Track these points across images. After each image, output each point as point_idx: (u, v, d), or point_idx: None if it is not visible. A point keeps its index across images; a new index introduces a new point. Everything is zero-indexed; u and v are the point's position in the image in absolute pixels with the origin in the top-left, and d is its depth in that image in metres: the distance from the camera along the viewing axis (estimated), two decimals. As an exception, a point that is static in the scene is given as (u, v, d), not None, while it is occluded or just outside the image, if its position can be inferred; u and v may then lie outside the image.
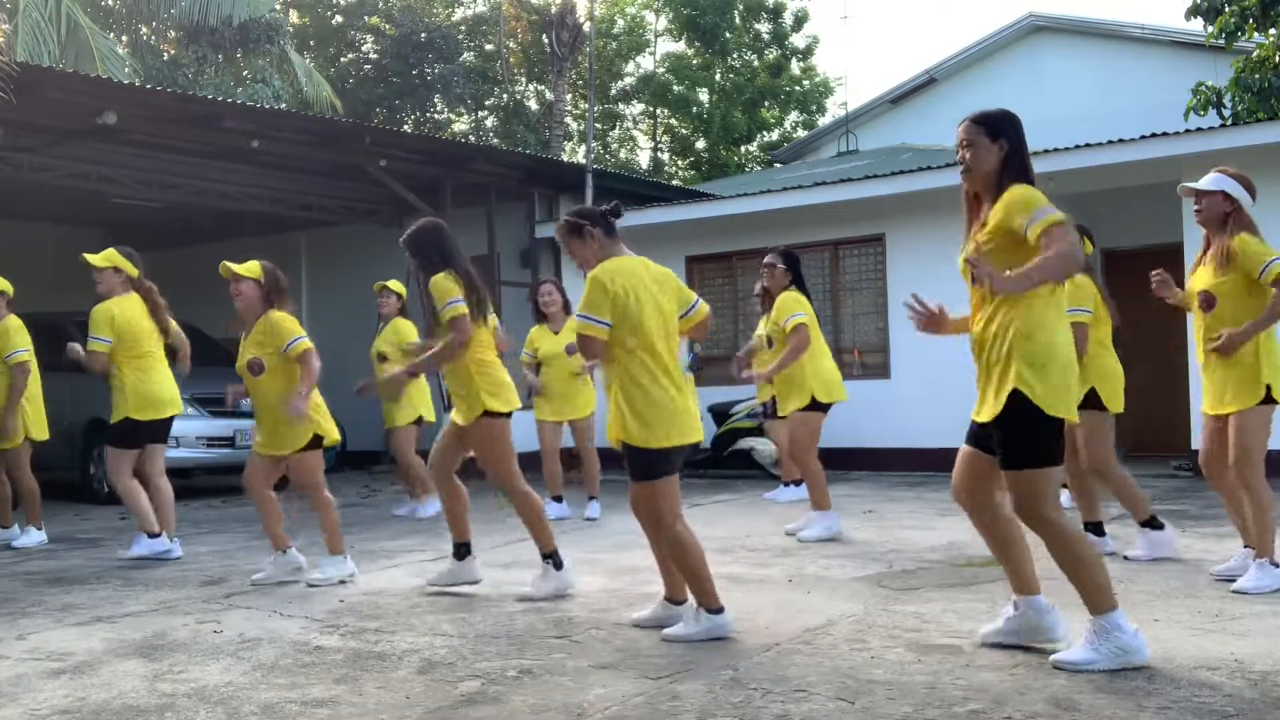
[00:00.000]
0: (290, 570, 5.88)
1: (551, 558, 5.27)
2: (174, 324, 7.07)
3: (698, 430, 4.39)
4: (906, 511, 8.31)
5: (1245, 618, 4.40)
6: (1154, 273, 5.39)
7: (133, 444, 6.82)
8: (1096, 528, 5.97)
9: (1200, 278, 5.08)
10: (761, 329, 8.95)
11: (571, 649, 4.21)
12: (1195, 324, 5.17)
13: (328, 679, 3.89)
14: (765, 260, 7.37)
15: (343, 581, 5.74)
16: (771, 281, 7.28)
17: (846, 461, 11.60)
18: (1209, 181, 4.97)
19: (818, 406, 7.03)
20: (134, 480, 6.77)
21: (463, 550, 5.47)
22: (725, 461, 11.70)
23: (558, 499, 8.41)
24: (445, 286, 5.20)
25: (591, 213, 4.54)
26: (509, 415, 5.31)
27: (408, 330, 8.71)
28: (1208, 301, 4.99)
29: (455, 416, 5.35)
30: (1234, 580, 4.99)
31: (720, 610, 4.31)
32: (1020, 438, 3.70)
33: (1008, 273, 3.60)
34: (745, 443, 11.33)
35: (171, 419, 7.00)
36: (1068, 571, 3.73)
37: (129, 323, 6.72)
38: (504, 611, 4.96)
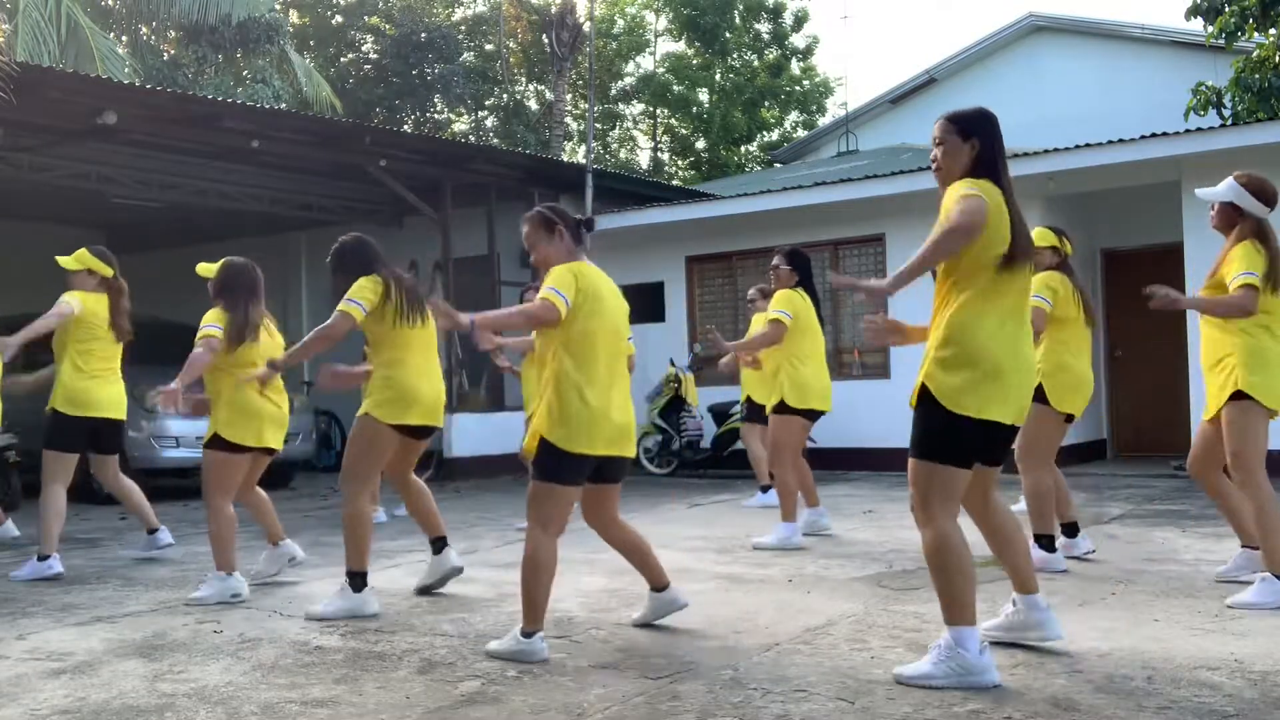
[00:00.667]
0: (286, 561, 5.91)
1: (356, 578, 4.98)
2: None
3: (621, 445, 4.22)
4: (906, 511, 8.25)
5: (1245, 618, 4.41)
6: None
7: (66, 444, 6.40)
8: (1070, 528, 5.91)
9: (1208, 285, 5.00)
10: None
11: (571, 649, 4.21)
12: (1202, 329, 5.04)
13: (328, 679, 3.89)
14: (772, 262, 7.28)
15: (230, 599, 5.40)
16: (779, 283, 7.18)
17: (846, 461, 11.60)
18: (1221, 189, 4.90)
19: (787, 409, 6.86)
20: (63, 491, 6.36)
21: (438, 544, 5.45)
22: (725, 461, 11.71)
23: None
24: (360, 287, 5.00)
25: (566, 215, 4.43)
26: (394, 428, 5.07)
27: None
28: None
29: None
30: (1239, 582, 4.97)
31: (531, 635, 4.09)
32: (922, 427, 3.67)
33: (890, 277, 3.66)
34: (742, 442, 11.33)
35: (113, 428, 6.65)
36: (932, 575, 3.68)
37: (88, 312, 6.41)
38: (504, 611, 4.95)
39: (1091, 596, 4.90)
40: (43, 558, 6.21)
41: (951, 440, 3.63)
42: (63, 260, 6.61)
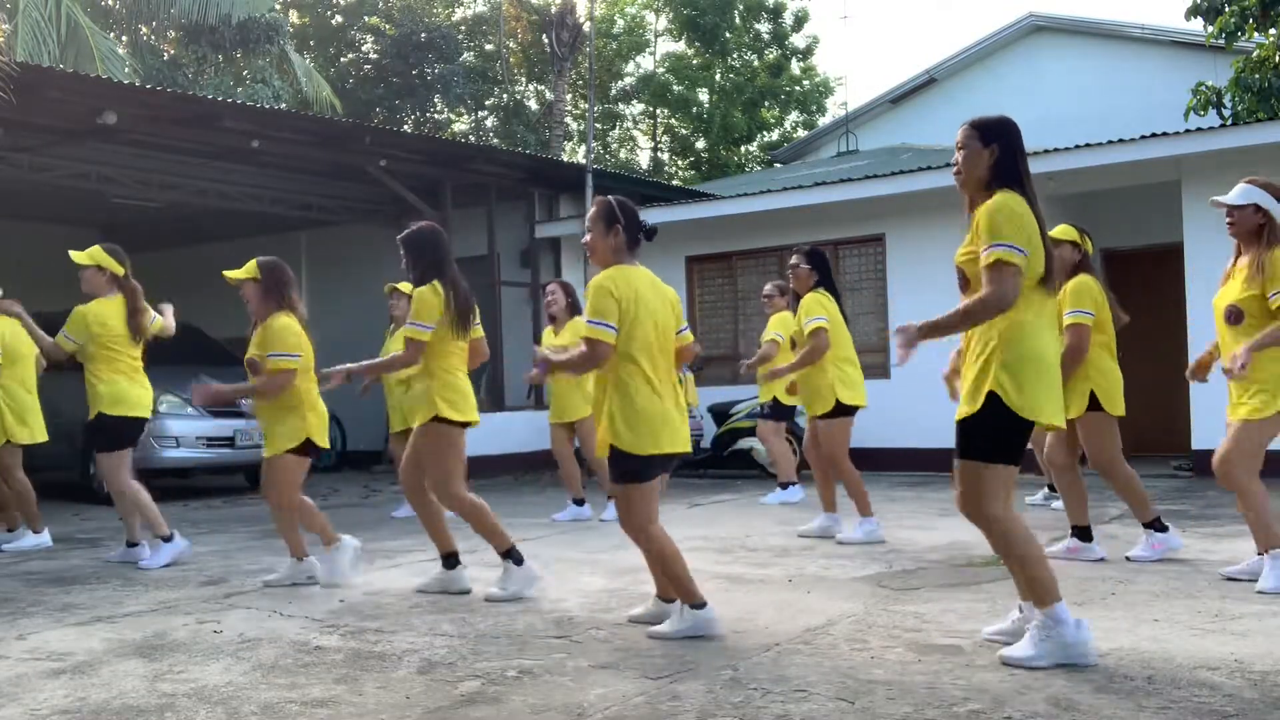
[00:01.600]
0: (305, 577, 5.85)
1: (510, 555, 5.25)
2: (160, 322, 6.85)
3: (684, 441, 4.37)
4: (906, 511, 8.31)
5: (1245, 618, 4.40)
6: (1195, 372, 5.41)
7: (120, 442, 6.59)
8: (1084, 532, 5.93)
9: (1229, 291, 4.97)
10: (767, 334, 8.93)
11: (571, 649, 4.21)
12: (1220, 337, 5.05)
13: (328, 679, 3.89)
14: (790, 261, 7.24)
15: (300, 583, 5.66)
16: (797, 283, 7.13)
17: (846, 461, 11.59)
18: (1238, 194, 4.88)
19: (843, 410, 6.92)
20: (135, 480, 6.59)
21: (451, 560, 5.47)
22: (725, 461, 11.70)
23: (578, 501, 8.34)
24: (423, 303, 5.16)
25: (632, 215, 4.46)
26: (462, 426, 5.28)
27: None
28: (1234, 315, 4.89)
29: (411, 421, 5.35)
30: (1242, 580, 4.99)
31: (703, 605, 4.32)
32: (980, 430, 3.75)
33: (923, 322, 3.74)
34: (745, 443, 11.33)
35: (139, 425, 6.74)
36: (1011, 567, 3.78)
37: (104, 326, 6.52)
38: (504, 611, 4.96)
39: (1091, 596, 4.90)
40: (168, 539, 6.50)
41: (1010, 441, 3.74)
42: (75, 255, 6.65)
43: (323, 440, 5.77)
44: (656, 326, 4.34)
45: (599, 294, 4.26)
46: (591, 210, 4.51)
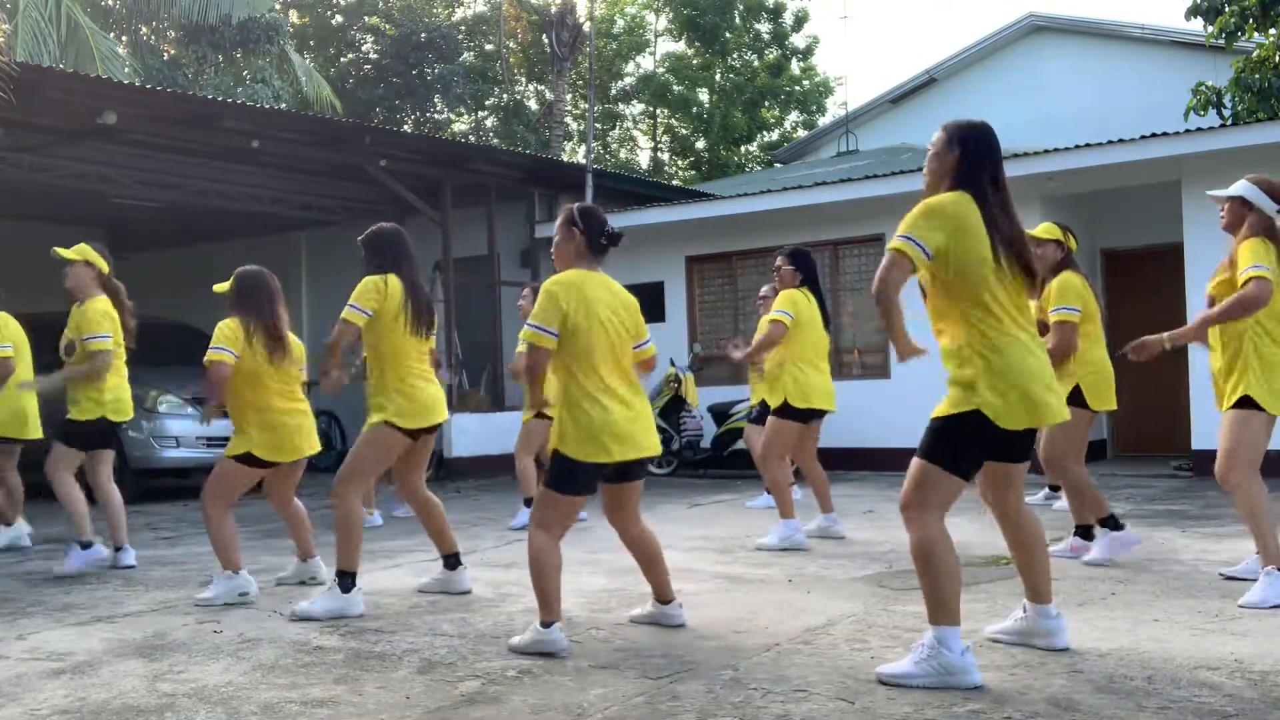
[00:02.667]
0: (307, 576, 5.84)
1: (346, 577, 4.99)
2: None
3: (643, 447, 4.27)
4: (906, 511, 8.29)
5: (1245, 618, 4.41)
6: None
7: (88, 444, 6.51)
8: (1085, 531, 5.91)
9: (1212, 280, 5.02)
10: (758, 334, 8.90)
11: (571, 649, 4.21)
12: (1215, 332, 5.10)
13: (328, 679, 3.90)
14: (776, 262, 7.26)
15: (232, 602, 5.30)
16: (781, 283, 7.09)
17: (847, 461, 11.60)
18: (1232, 188, 4.93)
19: (791, 412, 6.79)
20: (75, 481, 6.45)
21: (452, 561, 5.46)
22: (725, 461, 11.71)
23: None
24: (365, 287, 5.08)
25: (595, 221, 4.42)
26: (405, 433, 5.11)
27: None
28: (1209, 304, 4.94)
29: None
30: (1242, 580, 4.99)
31: (549, 625, 4.16)
32: (939, 433, 3.69)
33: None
34: (745, 443, 11.33)
35: (117, 425, 6.67)
36: (918, 575, 3.69)
37: (117, 326, 6.46)
38: (504, 611, 4.96)
39: (1091, 596, 4.90)
40: (86, 546, 6.33)
41: (967, 450, 3.66)
42: (62, 251, 6.50)
43: (283, 457, 5.53)
44: (609, 334, 4.28)
45: (545, 298, 4.26)
46: (561, 216, 4.51)
